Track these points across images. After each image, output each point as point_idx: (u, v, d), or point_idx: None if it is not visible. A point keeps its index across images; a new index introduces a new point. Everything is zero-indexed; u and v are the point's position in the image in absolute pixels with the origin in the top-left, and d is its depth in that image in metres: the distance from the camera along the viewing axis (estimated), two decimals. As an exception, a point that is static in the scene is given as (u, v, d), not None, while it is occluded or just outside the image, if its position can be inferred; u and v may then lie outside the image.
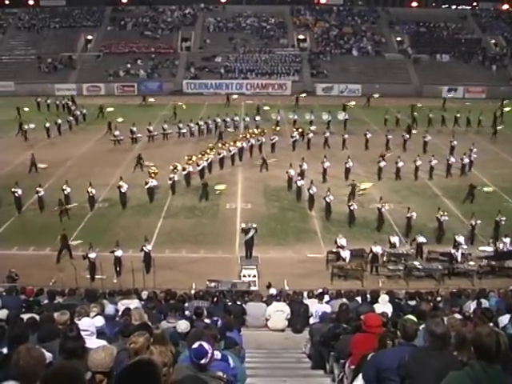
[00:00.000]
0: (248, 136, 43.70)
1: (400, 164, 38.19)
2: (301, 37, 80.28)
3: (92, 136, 49.13)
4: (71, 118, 53.15)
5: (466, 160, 39.63)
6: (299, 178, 35.60)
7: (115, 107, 56.91)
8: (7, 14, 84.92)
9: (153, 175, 35.37)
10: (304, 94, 63.20)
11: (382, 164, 38.36)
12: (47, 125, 48.60)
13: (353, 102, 58.26)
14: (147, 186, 34.26)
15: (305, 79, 73.08)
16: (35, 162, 39.54)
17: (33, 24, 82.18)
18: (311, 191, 32.93)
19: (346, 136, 45.33)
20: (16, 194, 32.06)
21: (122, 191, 33.41)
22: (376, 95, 60.33)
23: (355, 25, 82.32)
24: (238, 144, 42.04)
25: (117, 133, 46.81)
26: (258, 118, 51.79)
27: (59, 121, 49.99)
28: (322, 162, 37.67)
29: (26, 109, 53.10)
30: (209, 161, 38.76)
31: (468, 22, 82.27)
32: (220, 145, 41.03)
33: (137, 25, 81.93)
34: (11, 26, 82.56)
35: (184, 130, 48.52)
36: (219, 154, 39.94)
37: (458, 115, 51.52)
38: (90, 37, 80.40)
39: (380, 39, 79.29)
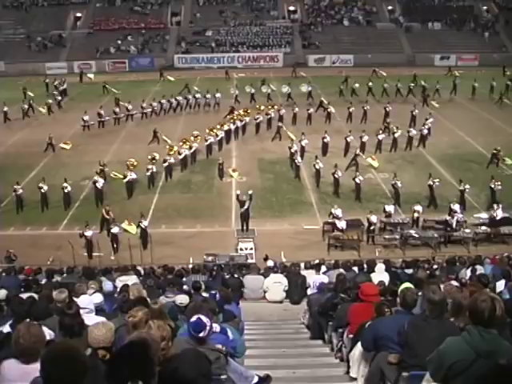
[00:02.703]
0: (235, 118, 42.62)
1: (397, 134, 37.76)
2: (291, 8, 79.50)
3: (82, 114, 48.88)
4: (59, 96, 52.61)
5: (425, 131, 39.21)
6: (299, 154, 35.19)
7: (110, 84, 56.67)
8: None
9: (131, 168, 33.19)
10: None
11: (381, 136, 37.79)
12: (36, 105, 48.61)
13: (384, 73, 56.78)
14: (125, 180, 32.29)
15: (296, 51, 72.66)
16: (52, 143, 39.03)
17: (21, 2, 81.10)
18: (317, 166, 32.54)
19: (297, 109, 44.44)
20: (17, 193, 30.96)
21: (98, 187, 31.36)
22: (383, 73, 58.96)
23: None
24: (225, 127, 40.70)
25: (86, 117, 44.84)
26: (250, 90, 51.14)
27: (50, 101, 49.57)
28: (324, 137, 37.27)
29: (31, 94, 52.13)
30: (192, 149, 37.04)
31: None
32: (207, 130, 38.89)
33: (126, 0, 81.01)
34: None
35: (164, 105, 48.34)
36: (206, 141, 38.07)
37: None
38: (79, 14, 79.53)
39: (371, 9, 78.60)
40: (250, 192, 27.98)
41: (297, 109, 44.14)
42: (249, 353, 10.00)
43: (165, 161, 34.63)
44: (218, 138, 39.19)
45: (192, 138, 37.75)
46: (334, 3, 79.68)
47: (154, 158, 34.23)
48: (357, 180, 31.01)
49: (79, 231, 26.39)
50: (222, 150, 38.99)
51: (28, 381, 4.73)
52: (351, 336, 9.51)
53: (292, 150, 35.48)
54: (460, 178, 30.55)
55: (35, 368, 4.46)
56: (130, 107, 46.53)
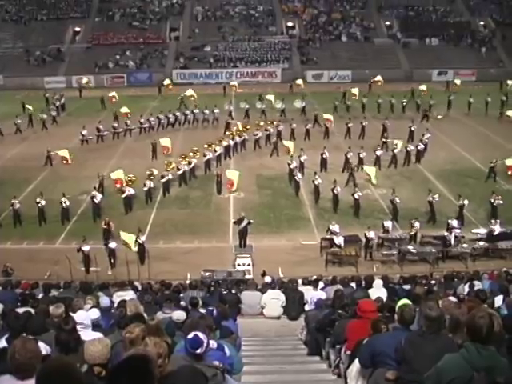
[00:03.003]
0: (234, 133, 42.76)
1: (397, 150, 37.86)
2: (290, 24, 79.85)
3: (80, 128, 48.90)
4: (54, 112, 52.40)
5: (421, 146, 39.27)
6: (298, 170, 35.21)
7: (106, 99, 56.78)
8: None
9: (129, 183, 33.33)
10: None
11: (379, 152, 37.74)
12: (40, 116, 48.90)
13: (424, 87, 56.95)
14: (124, 195, 32.37)
15: (294, 66, 72.86)
16: (51, 156, 39.18)
17: (20, 16, 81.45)
18: (316, 182, 32.51)
19: (294, 125, 44.30)
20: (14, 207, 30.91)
21: (95, 201, 31.48)
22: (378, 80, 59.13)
23: (344, 10, 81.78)
24: (224, 143, 40.84)
25: (84, 132, 44.80)
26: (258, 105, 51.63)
27: (44, 116, 49.28)
28: (322, 153, 37.32)
29: (30, 107, 52.08)
30: (191, 165, 36.97)
31: (456, 5, 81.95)
32: (206, 145, 39.20)
33: (125, 15, 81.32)
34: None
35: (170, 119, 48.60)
36: (204, 156, 38.09)
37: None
38: (77, 28, 79.76)
39: (369, 24, 78.96)
40: (242, 214, 28.04)
41: (294, 125, 44.12)
42: (246, 369, 9.96)
43: (162, 176, 34.53)
44: (217, 154, 39.16)
45: (191, 154, 37.75)
46: (332, 19, 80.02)
47: (151, 174, 34.16)
48: (355, 196, 31.02)
49: (76, 246, 26.37)
50: (221, 165, 38.93)
51: (23, 397, 4.69)
52: (349, 352, 9.47)
53: (291, 166, 35.45)
54: (459, 194, 30.60)
55: (31, 384, 4.43)
56: (128, 122, 46.60)
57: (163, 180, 34.51)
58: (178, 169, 35.96)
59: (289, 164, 35.80)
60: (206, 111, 49.23)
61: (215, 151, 39.12)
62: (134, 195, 33.00)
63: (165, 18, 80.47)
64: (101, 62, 72.84)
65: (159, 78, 69.51)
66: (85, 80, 61.32)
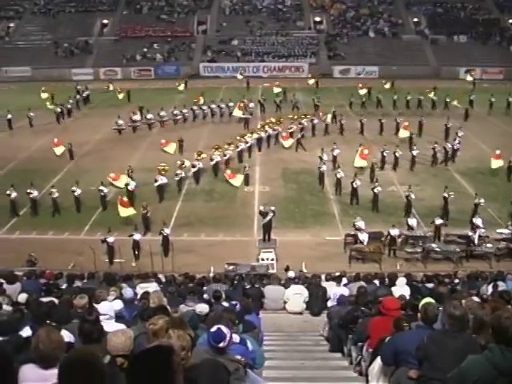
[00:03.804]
0: (266, 126, 42.93)
1: (415, 152, 37.18)
2: (317, 19, 79.58)
3: (109, 120, 49.12)
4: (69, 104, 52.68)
5: (457, 145, 38.81)
6: (323, 164, 35.04)
7: (132, 91, 56.97)
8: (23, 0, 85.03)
9: (162, 172, 33.84)
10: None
11: (415, 152, 37.11)
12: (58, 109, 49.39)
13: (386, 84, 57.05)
14: (157, 184, 32.96)
15: (322, 61, 72.64)
16: (72, 150, 39.45)
17: (48, 9, 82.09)
18: (355, 185, 32.12)
19: (329, 120, 44.69)
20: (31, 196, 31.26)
21: (130, 189, 32.27)
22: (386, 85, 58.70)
23: (372, 6, 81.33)
24: (256, 135, 41.14)
25: (120, 122, 45.70)
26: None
27: (58, 109, 49.52)
28: (332, 149, 37.15)
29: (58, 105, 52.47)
30: (226, 156, 37.20)
31: (485, 2, 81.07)
32: (238, 137, 39.71)
33: (152, 8, 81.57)
34: (27, 11, 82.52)
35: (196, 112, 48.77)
36: (237, 147, 38.58)
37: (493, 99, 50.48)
38: (105, 21, 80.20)
39: (397, 20, 78.41)
40: (272, 208, 27.95)
41: (328, 120, 44.35)
42: (267, 364, 9.95)
43: (193, 166, 35.18)
44: (248, 145, 39.57)
45: (226, 146, 38.09)
46: (359, 15, 79.63)
47: (182, 164, 34.84)
48: (375, 190, 30.99)
49: (101, 237, 26.51)
50: (251, 157, 39.47)
51: (46, 386, 4.73)
52: (371, 350, 9.44)
53: (321, 171, 35.17)
54: (476, 192, 30.47)
55: (53, 374, 4.45)
56: (149, 116, 47.06)
57: (194, 169, 35.17)
58: (211, 159, 36.28)
59: (319, 168, 35.31)
60: (231, 104, 49.17)
61: (247, 143, 39.49)
62: (166, 184, 33.43)
63: (193, 12, 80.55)
64: (128, 55, 73.18)
65: (186, 71, 69.74)
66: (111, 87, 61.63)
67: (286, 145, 40.52)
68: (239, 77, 61.76)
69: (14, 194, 30.96)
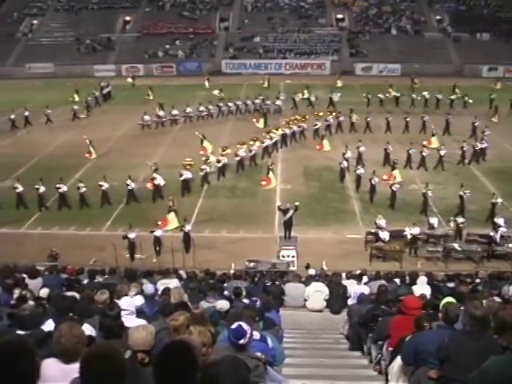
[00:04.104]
0: (290, 123, 42.86)
1: (443, 152, 36.52)
2: (339, 16, 79.35)
3: (132, 116, 49.33)
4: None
5: (485, 144, 38.20)
6: (344, 160, 35.08)
7: (154, 88, 57.10)
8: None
9: (188, 167, 34.10)
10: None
11: (443, 152, 36.45)
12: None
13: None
14: (182, 178, 33.21)
15: (344, 59, 72.46)
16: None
17: (71, 6, 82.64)
18: (373, 181, 31.89)
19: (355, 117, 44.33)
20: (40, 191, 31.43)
21: (157, 183, 32.47)
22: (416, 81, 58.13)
23: (394, 3, 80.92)
24: (280, 131, 41.08)
25: (146, 117, 46.00)
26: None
27: (75, 106, 49.61)
28: (357, 146, 36.90)
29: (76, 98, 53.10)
30: (252, 152, 37.30)
31: (509, 0, 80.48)
32: (264, 133, 39.78)
33: (175, 5, 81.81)
34: (50, 8, 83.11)
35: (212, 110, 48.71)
36: (263, 143, 38.59)
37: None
38: (128, 18, 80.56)
39: (419, 18, 78.00)
40: (297, 203, 27.88)
41: (355, 117, 44.16)
42: (287, 361, 9.96)
43: (218, 161, 35.35)
44: (273, 141, 39.60)
45: (251, 142, 38.10)
46: (382, 12, 79.30)
47: (208, 159, 35.14)
48: (393, 188, 30.90)
49: (122, 233, 26.63)
50: (277, 152, 39.82)
51: (67, 381, 4.75)
52: (391, 349, 9.41)
53: (342, 166, 35.15)
54: (496, 191, 30.23)
55: (75, 368, 4.48)
56: (174, 112, 47.22)
57: (219, 165, 35.32)
58: (237, 155, 36.39)
59: (340, 163, 35.30)
60: (257, 101, 49.39)
61: (272, 139, 39.49)
62: (191, 179, 33.71)
63: (215, 9, 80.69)
64: (150, 52, 73.50)
65: (208, 67, 69.87)
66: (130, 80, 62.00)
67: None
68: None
69: (42, 189, 31.25)
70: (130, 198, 32.13)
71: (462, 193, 29.78)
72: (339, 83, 58.66)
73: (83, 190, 31.40)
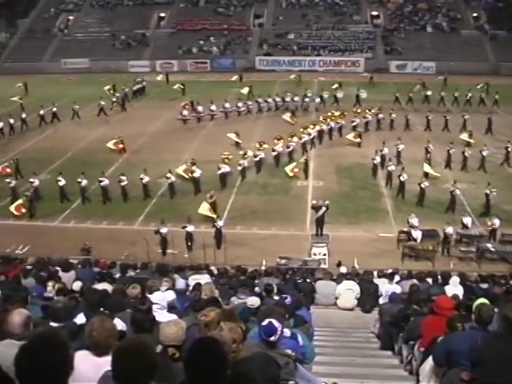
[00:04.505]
0: (328, 119, 42.68)
1: (485, 152, 35.73)
2: (374, 13, 78.81)
3: (163, 112, 49.58)
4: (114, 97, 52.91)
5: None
6: (382, 161, 35.06)
7: (188, 84, 57.22)
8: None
9: (226, 161, 34.57)
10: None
11: (486, 153, 35.70)
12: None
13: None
14: (219, 172, 33.57)
15: (378, 56, 71.99)
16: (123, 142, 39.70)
17: (107, 2, 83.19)
18: (402, 178, 31.65)
19: (394, 115, 43.89)
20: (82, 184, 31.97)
21: (195, 176, 32.99)
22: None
23: (430, 0, 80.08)
24: (318, 127, 41.05)
25: (185, 112, 46.48)
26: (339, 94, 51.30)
27: (102, 102, 49.33)
28: (396, 144, 36.65)
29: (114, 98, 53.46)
30: (290, 148, 37.30)
31: (548, -3, 79.28)
32: (301, 129, 39.78)
33: (209, 2, 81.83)
34: (86, 3, 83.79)
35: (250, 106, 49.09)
36: (300, 139, 38.49)
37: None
38: (163, 14, 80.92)
39: (455, 15, 77.05)
40: (326, 202, 27.84)
41: (394, 115, 43.89)
42: (317, 359, 9.93)
43: (255, 156, 35.70)
44: (311, 137, 39.60)
45: (289, 138, 38.16)
46: (417, 9, 78.60)
47: (245, 154, 35.48)
48: (422, 185, 30.67)
49: (155, 228, 26.78)
50: (312, 149, 39.62)
51: (99, 373, 4.81)
52: (422, 349, 9.34)
53: (375, 162, 35.11)
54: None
55: (107, 361, 4.53)
56: (212, 107, 47.30)
57: (256, 159, 35.71)
58: (273, 150, 36.58)
59: (373, 159, 35.23)
60: (288, 99, 49.25)
61: (310, 135, 39.50)
62: (229, 173, 34.10)
63: (249, 5, 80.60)
64: (185, 48, 73.71)
65: (242, 64, 69.91)
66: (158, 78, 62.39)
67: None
68: (292, 76, 61.24)
69: (84, 182, 31.72)
70: (171, 191, 32.51)
71: (488, 191, 29.48)
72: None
73: (125, 183, 31.83)
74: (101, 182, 31.83)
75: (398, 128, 43.17)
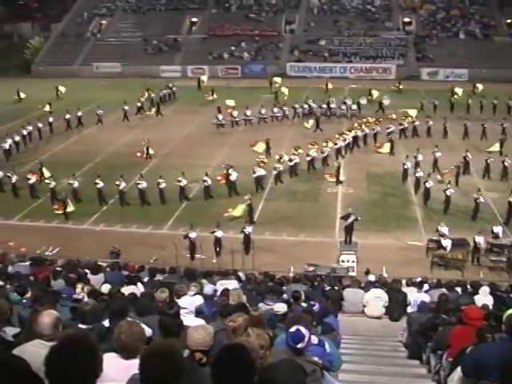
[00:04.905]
0: (363, 125, 42.70)
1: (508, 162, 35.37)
2: (406, 20, 78.35)
3: (194, 117, 49.81)
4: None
5: None
6: (416, 168, 34.53)
7: (218, 89, 57.33)
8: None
9: (261, 164, 34.87)
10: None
11: (507, 163, 35.28)
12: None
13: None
14: (255, 175, 33.90)
15: (410, 63, 71.57)
16: (149, 148, 39.75)
17: (139, 7, 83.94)
18: (427, 185, 31.67)
19: (431, 123, 43.69)
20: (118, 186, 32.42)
21: (232, 179, 33.44)
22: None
23: (463, 7, 79.34)
24: (353, 133, 41.09)
25: (220, 116, 46.74)
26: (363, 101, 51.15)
27: (126, 107, 49.88)
28: (433, 151, 36.37)
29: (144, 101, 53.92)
30: (324, 154, 37.48)
31: None
32: (337, 135, 39.81)
33: (241, 7, 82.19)
34: (118, 8, 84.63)
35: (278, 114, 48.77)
36: (335, 144, 38.59)
37: None
38: (194, 19, 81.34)
39: (489, 22, 76.23)
40: (359, 218, 27.73)
41: (431, 122, 43.74)
42: (344, 367, 9.87)
43: (290, 160, 36.00)
44: (346, 143, 39.59)
45: (324, 144, 38.31)
46: (450, 16, 78.02)
47: (281, 158, 35.92)
48: (447, 192, 30.51)
49: (184, 232, 26.88)
50: (347, 155, 39.76)
51: (126, 375, 4.84)
52: (451, 360, 9.25)
53: (405, 167, 35.06)
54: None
55: (134, 364, 4.57)
56: (248, 112, 47.53)
57: (291, 163, 36.04)
58: (308, 155, 36.84)
59: (403, 164, 35.23)
60: (324, 105, 49.41)
61: (345, 140, 39.57)
62: (264, 176, 34.38)
63: (281, 11, 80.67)
64: (216, 53, 73.93)
65: (273, 70, 69.95)
66: (204, 78, 62.65)
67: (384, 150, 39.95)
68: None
69: (122, 185, 32.19)
70: (206, 194, 32.97)
71: (511, 199, 29.16)
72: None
73: (163, 185, 32.14)
74: (138, 184, 32.12)
75: (435, 135, 42.84)
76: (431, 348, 11.46)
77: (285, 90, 54.50)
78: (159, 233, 29.46)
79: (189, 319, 9.16)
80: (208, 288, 13.94)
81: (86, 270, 17.08)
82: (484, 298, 14.77)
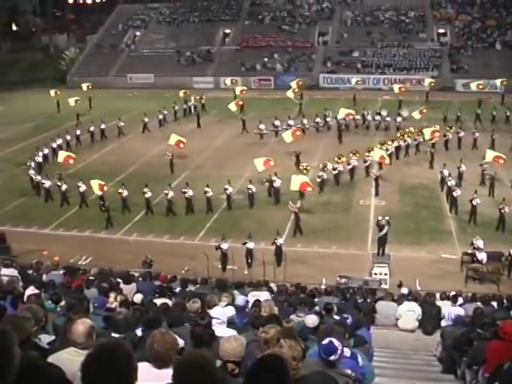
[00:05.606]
0: (405, 135, 42.61)
1: None
2: (441, 31, 77.89)
3: (226, 128, 50.00)
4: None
5: None
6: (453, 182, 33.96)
7: (251, 100, 57.38)
8: (149, 9, 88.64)
9: (304, 172, 35.35)
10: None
11: None
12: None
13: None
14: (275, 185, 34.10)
15: (444, 75, 71.06)
16: (173, 160, 39.80)
17: (173, 18, 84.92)
18: (474, 202, 30.89)
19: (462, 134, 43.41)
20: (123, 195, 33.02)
21: (275, 186, 33.96)
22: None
23: (499, 17, 78.51)
24: (395, 143, 41.17)
25: (262, 126, 46.73)
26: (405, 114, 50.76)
27: (146, 119, 50.40)
28: (459, 166, 35.81)
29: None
30: (367, 163, 37.82)
31: None
32: (379, 145, 39.80)
33: (274, 19, 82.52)
34: (152, 20, 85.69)
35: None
36: (387, 150, 38.84)
37: None
38: (228, 30, 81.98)
39: (526, 32, 75.67)
40: (386, 218, 27.66)
41: (462, 133, 43.51)
42: (377, 380, 9.74)
43: (334, 169, 36.36)
44: (389, 153, 39.35)
45: (367, 153, 38.38)
46: (486, 26, 77.28)
47: (325, 166, 36.24)
48: (473, 202, 30.32)
49: (215, 243, 26.90)
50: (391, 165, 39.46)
51: (159, 385, 4.83)
52: (487, 375, 9.08)
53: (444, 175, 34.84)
54: None
55: (166, 374, 4.57)
56: (290, 122, 47.59)
57: (334, 172, 36.42)
58: (349, 164, 37.25)
59: (441, 172, 35.32)
60: (358, 117, 49.70)
61: (387, 150, 39.40)
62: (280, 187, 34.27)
63: (314, 22, 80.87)
64: (249, 64, 74.25)
65: (306, 81, 69.86)
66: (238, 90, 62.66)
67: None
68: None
69: (149, 194, 32.58)
70: (251, 202, 33.57)
71: None
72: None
73: (190, 194, 32.49)
74: (167, 194, 32.27)
75: (464, 147, 42.62)
76: (466, 363, 11.28)
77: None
78: (191, 243, 29.52)
79: (220, 329, 9.12)
80: (240, 299, 13.90)
81: (119, 280, 17.15)
82: (521, 312, 14.55)
